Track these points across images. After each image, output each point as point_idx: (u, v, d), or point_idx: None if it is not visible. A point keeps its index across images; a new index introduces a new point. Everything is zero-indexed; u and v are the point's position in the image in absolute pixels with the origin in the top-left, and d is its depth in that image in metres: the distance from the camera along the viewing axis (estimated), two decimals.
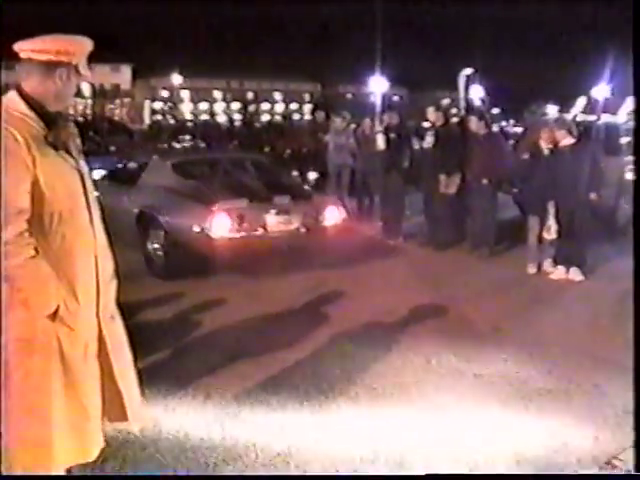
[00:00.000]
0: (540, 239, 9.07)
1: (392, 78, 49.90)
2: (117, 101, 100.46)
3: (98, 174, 10.32)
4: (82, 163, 3.30)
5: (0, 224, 2.86)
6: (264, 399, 5.10)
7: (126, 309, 3.64)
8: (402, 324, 7.01)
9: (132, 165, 10.36)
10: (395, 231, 11.52)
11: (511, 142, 13.62)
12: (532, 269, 9.18)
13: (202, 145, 22.19)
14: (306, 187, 10.58)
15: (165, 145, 21.09)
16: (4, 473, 3.03)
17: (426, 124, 13.40)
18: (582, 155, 8.80)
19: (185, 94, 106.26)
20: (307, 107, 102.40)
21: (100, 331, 3.27)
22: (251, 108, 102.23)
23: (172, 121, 52.37)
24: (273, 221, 8.78)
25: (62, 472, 3.25)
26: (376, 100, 26.76)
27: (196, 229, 8.37)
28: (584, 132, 10.01)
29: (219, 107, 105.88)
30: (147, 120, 78.70)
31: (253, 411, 4.91)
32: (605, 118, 17.89)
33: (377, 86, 36.75)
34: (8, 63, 4.73)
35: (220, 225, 8.33)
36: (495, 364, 5.90)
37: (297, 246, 8.96)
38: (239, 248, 8.44)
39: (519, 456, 4.30)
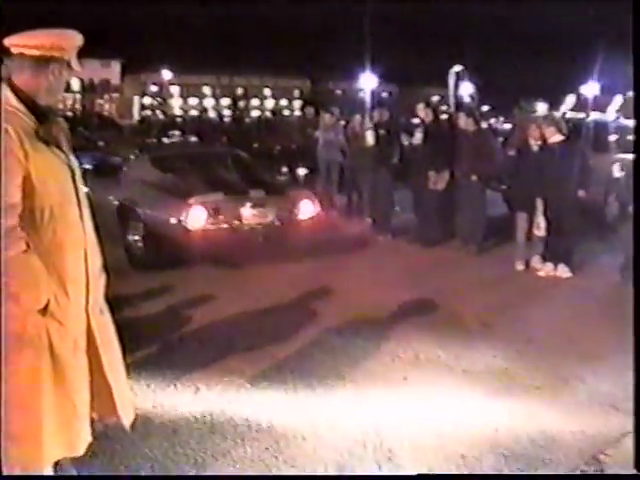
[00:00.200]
0: (528, 236, 9.10)
1: (382, 75, 49.86)
2: (106, 96, 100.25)
3: (83, 168, 10.33)
4: (72, 158, 3.30)
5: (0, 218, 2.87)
6: (253, 394, 5.12)
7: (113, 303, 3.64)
8: (391, 320, 7.02)
9: (115, 159, 10.50)
10: (384, 227, 11.54)
11: (500, 139, 13.65)
12: (520, 266, 9.20)
13: (191, 140, 22.13)
14: (281, 181, 10.77)
15: (154, 140, 21.00)
16: (4, 473, 3.04)
17: (415, 121, 13.43)
18: (571, 152, 8.83)
19: (175, 90, 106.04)
20: (297, 103, 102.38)
21: (89, 326, 3.27)
22: (241, 104, 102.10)
23: (161, 116, 52.15)
24: (248, 214, 9.06)
25: (50, 467, 3.25)
26: (366, 96, 26.72)
27: (173, 221, 8.63)
28: (573, 129, 10.04)
29: (209, 103, 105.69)
30: (136, 115, 78.51)
31: (242, 406, 4.92)
32: (594, 116, 17.90)
33: (367, 82, 36.76)
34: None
35: (196, 217, 8.62)
36: (484, 360, 5.93)
37: (272, 238, 9.19)
38: (215, 239, 8.76)
39: (507, 451, 4.33)
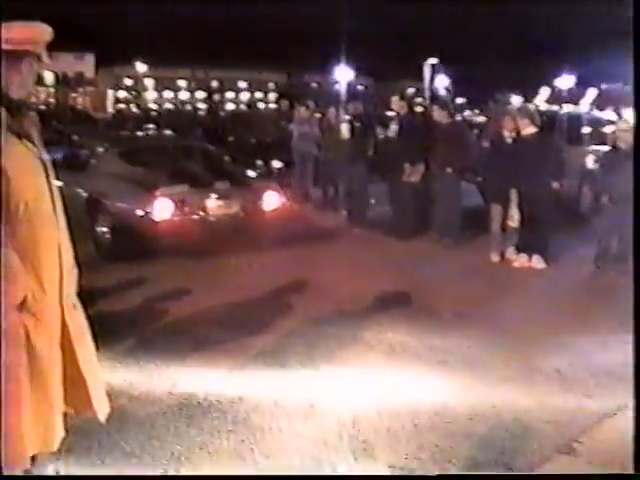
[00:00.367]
0: (503, 227, 9.16)
1: (357, 68, 49.96)
2: (80, 89, 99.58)
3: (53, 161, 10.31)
4: (44, 152, 3.28)
5: None
6: (229, 386, 5.12)
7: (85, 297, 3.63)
8: (367, 312, 7.05)
9: (85, 152, 10.51)
10: (359, 220, 11.55)
11: (475, 131, 13.70)
12: (495, 257, 9.26)
13: (165, 133, 22.02)
14: (248, 174, 10.85)
15: (128, 133, 20.88)
16: (4, 473, 3.02)
17: (390, 113, 13.45)
18: (545, 144, 8.90)
19: (149, 83, 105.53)
20: (272, 96, 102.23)
21: (63, 320, 3.25)
22: (216, 97, 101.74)
23: (136, 110, 51.90)
24: (213, 205, 9.23)
25: (28, 461, 3.24)
26: (341, 89, 26.76)
27: (140, 213, 8.78)
28: (547, 121, 10.11)
29: (184, 96, 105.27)
30: (110, 109, 78.06)
31: (218, 398, 4.93)
32: (568, 108, 18.06)
33: (342, 75, 36.80)
34: None
35: (162, 209, 8.76)
36: (459, 351, 5.97)
37: (237, 229, 9.34)
38: (182, 231, 8.88)
39: (482, 442, 4.36)
